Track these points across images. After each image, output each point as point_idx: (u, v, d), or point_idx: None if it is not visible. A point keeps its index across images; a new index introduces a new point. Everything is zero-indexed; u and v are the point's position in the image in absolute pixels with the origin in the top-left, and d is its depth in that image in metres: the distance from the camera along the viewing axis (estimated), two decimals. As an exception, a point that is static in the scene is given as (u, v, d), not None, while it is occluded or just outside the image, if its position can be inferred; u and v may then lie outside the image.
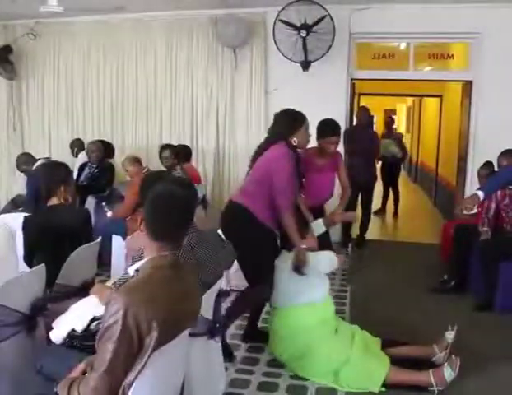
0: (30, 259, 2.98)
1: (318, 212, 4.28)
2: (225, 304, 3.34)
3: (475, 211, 3.93)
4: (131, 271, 2.02)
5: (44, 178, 3.15)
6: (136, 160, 5.46)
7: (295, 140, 3.50)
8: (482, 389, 3.19)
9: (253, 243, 3.41)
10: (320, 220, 3.98)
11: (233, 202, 3.62)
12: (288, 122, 3.55)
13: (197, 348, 2.38)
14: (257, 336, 3.85)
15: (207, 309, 2.47)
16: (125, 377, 1.69)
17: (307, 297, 3.42)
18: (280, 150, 3.46)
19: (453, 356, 3.16)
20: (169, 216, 1.92)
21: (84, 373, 1.88)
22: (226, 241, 2.91)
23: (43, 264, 2.61)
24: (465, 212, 3.96)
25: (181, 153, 5.86)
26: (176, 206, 1.93)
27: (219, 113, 6.76)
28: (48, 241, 2.98)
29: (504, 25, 5.84)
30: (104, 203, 5.43)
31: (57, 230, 3.00)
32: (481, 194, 3.87)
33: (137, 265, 1.97)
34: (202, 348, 2.48)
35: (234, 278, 3.64)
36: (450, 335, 3.31)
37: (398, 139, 9.87)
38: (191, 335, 2.11)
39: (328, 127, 4.22)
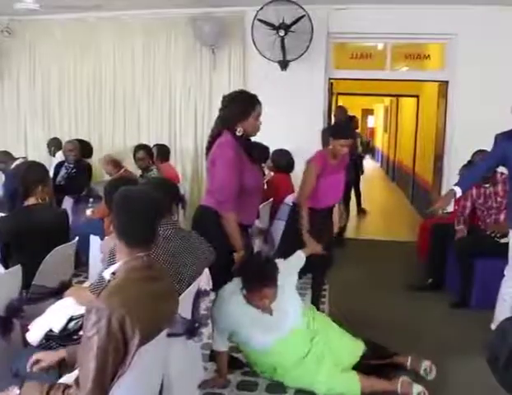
0: (5, 260, 2.94)
1: (328, 216, 4.21)
2: (205, 303, 3.33)
3: (450, 209, 3.97)
4: (107, 275, 1.97)
5: (23, 177, 3.11)
6: (113, 160, 5.44)
7: (240, 130, 3.14)
8: (458, 383, 3.25)
9: (223, 244, 3.08)
10: (300, 252, 3.65)
11: (200, 206, 3.40)
12: (235, 108, 3.17)
13: (175, 348, 2.37)
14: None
15: (185, 309, 2.47)
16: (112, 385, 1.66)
17: (276, 335, 3.17)
18: (222, 139, 3.15)
19: (426, 362, 3.23)
20: (136, 219, 1.89)
21: (61, 361, 1.85)
22: (203, 239, 2.87)
23: (19, 265, 2.57)
24: (440, 212, 4.01)
25: (158, 152, 5.84)
26: (141, 209, 1.90)
27: (197, 113, 6.74)
28: (25, 241, 2.94)
29: (478, 27, 5.92)
30: (91, 200, 5.38)
31: (34, 230, 2.97)
32: (458, 190, 3.80)
33: (113, 268, 1.94)
34: (181, 348, 2.47)
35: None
36: (426, 369, 3.27)
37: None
38: (170, 335, 2.10)
39: (344, 130, 4.13)
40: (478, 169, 4.12)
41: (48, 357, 2.09)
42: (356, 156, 9.46)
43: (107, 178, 5.49)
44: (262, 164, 5.47)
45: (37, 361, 2.07)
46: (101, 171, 6.03)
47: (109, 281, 1.88)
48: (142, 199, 1.93)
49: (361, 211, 9.43)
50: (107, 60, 6.92)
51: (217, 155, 3.13)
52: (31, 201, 3.08)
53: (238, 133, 3.14)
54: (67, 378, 1.91)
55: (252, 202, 3.33)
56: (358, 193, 9.42)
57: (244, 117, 3.15)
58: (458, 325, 4.13)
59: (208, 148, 3.26)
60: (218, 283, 3.08)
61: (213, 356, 3.52)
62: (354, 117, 11.92)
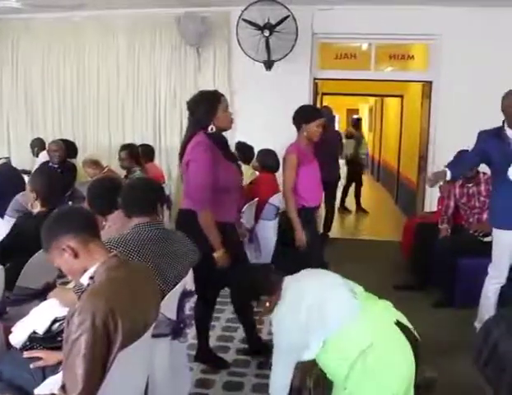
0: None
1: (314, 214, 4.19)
2: (190, 304, 3.33)
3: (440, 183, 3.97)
4: (84, 280, 1.91)
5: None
6: (94, 162, 5.44)
7: (212, 127, 3.18)
8: (441, 381, 3.27)
9: (204, 246, 3.05)
10: None
11: (179, 210, 3.40)
12: (203, 108, 3.21)
13: (161, 349, 2.36)
14: (208, 358, 3.58)
15: (171, 310, 2.46)
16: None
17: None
18: (195, 140, 3.17)
19: None
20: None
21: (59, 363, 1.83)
22: (188, 239, 2.87)
23: (1, 267, 2.55)
24: (427, 186, 4.03)
25: (143, 153, 5.82)
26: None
27: (183, 113, 6.72)
28: (33, 246, 2.91)
29: (461, 27, 5.98)
30: (75, 201, 5.35)
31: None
32: (448, 173, 3.76)
33: (89, 273, 1.89)
34: (167, 349, 2.46)
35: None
36: None
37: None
38: (155, 336, 2.10)
39: (314, 110, 4.20)
40: (467, 160, 4.09)
41: (51, 358, 2.10)
42: (359, 157, 9.77)
43: (89, 179, 5.46)
44: (246, 164, 5.51)
45: (39, 358, 2.08)
46: (84, 172, 5.99)
47: (88, 284, 1.85)
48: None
49: (361, 211, 9.56)
50: (91, 59, 6.87)
51: (191, 156, 3.16)
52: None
53: (210, 131, 3.18)
54: (52, 381, 1.90)
55: (229, 199, 3.31)
56: (358, 193, 9.59)
57: (214, 113, 3.19)
58: (442, 324, 4.17)
59: (181, 153, 3.28)
60: (200, 285, 3.06)
61: (198, 356, 3.54)
62: (360, 119, 12.23)
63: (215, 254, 3.15)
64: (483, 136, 3.83)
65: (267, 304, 2.62)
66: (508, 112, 3.62)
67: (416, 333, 2.43)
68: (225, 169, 3.21)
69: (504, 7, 5.81)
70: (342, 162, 9.77)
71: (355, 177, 9.69)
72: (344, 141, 10.18)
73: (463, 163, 4.11)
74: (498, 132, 3.73)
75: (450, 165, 3.87)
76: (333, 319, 2.37)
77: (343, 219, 9.04)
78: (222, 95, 3.29)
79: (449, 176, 3.79)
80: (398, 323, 2.39)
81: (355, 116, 15.00)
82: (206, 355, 3.56)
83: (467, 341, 3.26)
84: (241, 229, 3.83)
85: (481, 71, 5.96)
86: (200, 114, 3.22)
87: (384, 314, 2.48)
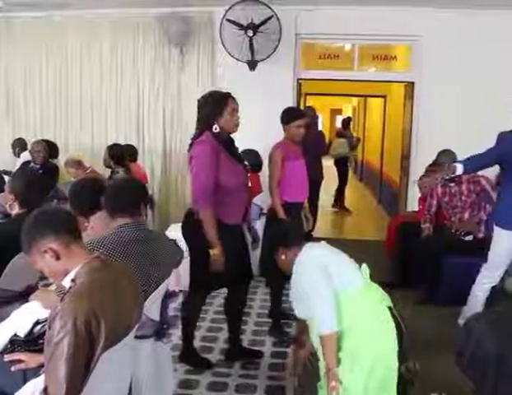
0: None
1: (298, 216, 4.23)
2: (174, 304, 3.32)
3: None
4: (66, 283, 1.89)
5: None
6: (76, 162, 5.42)
7: (215, 127, 3.21)
8: (422, 374, 3.30)
9: (201, 243, 3.18)
10: None
11: (188, 209, 3.39)
12: (208, 108, 3.25)
13: (144, 350, 2.36)
14: (192, 359, 3.57)
15: (154, 311, 2.45)
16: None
17: None
18: (200, 138, 3.22)
19: None
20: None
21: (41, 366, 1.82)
22: (173, 239, 2.87)
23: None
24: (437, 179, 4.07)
25: (127, 152, 5.79)
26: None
27: (166, 113, 6.71)
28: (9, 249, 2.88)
29: (442, 29, 6.05)
30: (56, 201, 5.31)
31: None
32: (459, 166, 3.72)
33: (71, 276, 1.87)
34: (150, 350, 2.45)
35: (185, 278, 3.60)
36: None
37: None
38: (138, 337, 2.09)
39: (295, 111, 4.30)
40: (485, 161, 3.91)
41: (32, 360, 2.08)
42: (345, 157, 9.88)
43: (72, 180, 5.43)
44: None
45: (20, 361, 2.06)
46: (67, 172, 5.94)
47: (70, 287, 1.83)
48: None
49: (345, 210, 9.63)
50: (74, 59, 6.81)
51: (194, 152, 3.20)
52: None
53: (214, 130, 3.20)
54: (33, 384, 1.88)
55: (234, 201, 3.30)
56: (342, 192, 9.69)
57: (219, 114, 3.21)
58: (424, 321, 4.20)
59: (189, 150, 3.30)
60: (197, 282, 3.21)
61: (182, 357, 3.53)
62: (350, 118, 12.36)
63: (211, 251, 3.15)
64: (505, 140, 3.85)
65: (283, 256, 2.68)
66: None
67: (403, 325, 2.49)
68: (229, 169, 3.22)
69: (484, 10, 5.89)
70: (330, 162, 9.96)
71: (342, 176, 9.82)
72: (335, 140, 10.34)
73: (480, 162, 3.92)
74: None
75: (467, 160, 3.80)
76: (345, 279, 2.51)
77: (327, 219, 9.07)
78: (232, 98, 3.29)
79: (459, 169, 3.73)
80: (391, 309, 2.50)
81: (344, 116, 15.16)
82: (190, 356, 3.55)
83: (450, 338, 3.30)
84: (251, 232, 3.78)
85: (462, 72, 6.04)
86: (205, 113, 3.26)
87: (380, 296, 2.62)
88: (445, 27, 6.05)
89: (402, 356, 2.39)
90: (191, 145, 3.29)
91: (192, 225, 3.24)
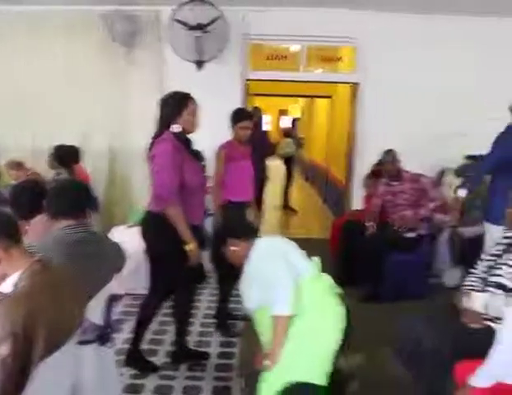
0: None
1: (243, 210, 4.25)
2: (118, 308, 3.27)
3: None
4: (5, 287, 1.84)
5: None
6: (17, 164, 5.29)
7: (177, 126, 3.25)
8: (364, 369, 3.39)
9: (174, 243, 3.15)
10: None
11: (146, 212, 3.35)
12: (169, 108, 3.30)
13: (88, 356, 2.31)
14: (139, 363, 3.53)
15: (96, 314, 2.41)
16: None
17: None
18: (162, 137, 3.23)
19: None
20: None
21: None
22: (115, 242, 2.82)
23: None
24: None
25: (69, 154, 5.66)
26: None
27: (112, 113, 6.58)
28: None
29: (383, 30, 6.20)
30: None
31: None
32: (462, 192, 4.15)
33: (11, 280, 1.83)
34: (93, 355, 2.41)
35: (129, 281, 3.56)
36: None
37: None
38: (81, 343, 2.05)
39: (242, 112, 4.38)
40: (484, 171, 4.24)
41: None
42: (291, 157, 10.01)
43: (13, 182, 5.27)
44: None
45: None
46: (8, 174, 5.75)
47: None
48: None
49: (290, 210, 9.71)
50: (17, 57, 6.56)
51: (156, 150, 3.20)
52: None
53: (175, 130, 3.24)
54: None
55: (195, 200, 3.32)
56: (287, 191, 9.79)
57: (178, 114, 3.26)
58: (368, 317, 4.29)
59: (150, 149, 3.30)
60: (176, 281, 3.28)
61: (128, 361, 3.49)
62: (296, 119, 12.52)
63: (187, 247, 3.14)
64: (502, 142, 4.00)
65: (234, 248, 2.76)
66: None
67: (349, 316, 2.68)
68: (191, 168, 3.25)
69: (422, 14, 6.11)
70: (278, 161, 10.05)
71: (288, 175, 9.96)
72: (282, 140, 10.45)
73: (480, 176, 4.32)
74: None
75: (469, 181, 4.23)
76: (301, 266, 2.65)
77: (273, 218, 9.13)
78: (192, 99, 3.35)
79: (462, 194, 4.13)
80: (341, 296, 2.72)
81: (287, 117, 15.33)
82: (136, 360, 3.51)
83: (392, 335, 3.39)
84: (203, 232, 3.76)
85: (402, 74, 6.22)
86: (165, 113, 3.29)
87: (331, 283, 2.80)
88: (387, 29, 6.20)
89: (344, 347, 2.56)
90: (152, 144, 3.29)
91: (153, 227, 3.23)
